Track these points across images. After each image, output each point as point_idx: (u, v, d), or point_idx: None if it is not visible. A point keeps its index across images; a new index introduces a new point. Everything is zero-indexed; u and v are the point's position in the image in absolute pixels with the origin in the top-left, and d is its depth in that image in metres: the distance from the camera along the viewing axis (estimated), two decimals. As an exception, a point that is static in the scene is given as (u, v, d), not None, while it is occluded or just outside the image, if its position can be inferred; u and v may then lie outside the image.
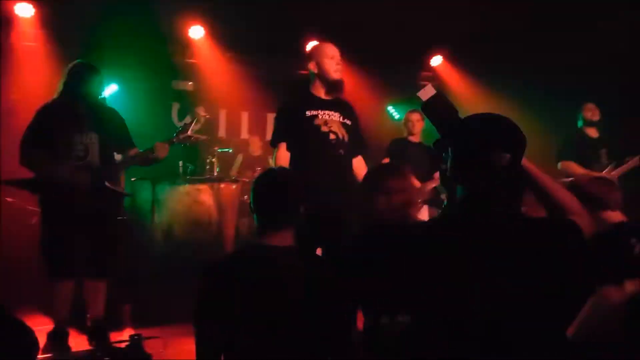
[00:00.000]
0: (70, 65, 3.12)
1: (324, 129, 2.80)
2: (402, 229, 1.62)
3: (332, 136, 2.81)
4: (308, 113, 2.83)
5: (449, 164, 1.49)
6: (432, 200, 4.48)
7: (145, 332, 3.34)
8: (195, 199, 4.36)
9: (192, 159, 5.26)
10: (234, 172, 5.72)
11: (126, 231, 4.47)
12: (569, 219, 1.42)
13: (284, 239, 1.70)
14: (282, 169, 1.85)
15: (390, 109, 7.19)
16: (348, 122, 2.90)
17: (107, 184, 3.06)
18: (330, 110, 2.85)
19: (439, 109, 1.57)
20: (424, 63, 7.09)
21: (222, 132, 6.19)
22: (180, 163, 5.11)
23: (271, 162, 6.14)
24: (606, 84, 5.41)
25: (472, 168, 1.42)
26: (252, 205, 1.75)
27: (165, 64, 6.12)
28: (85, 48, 5.71)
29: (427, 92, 1.59)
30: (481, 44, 6.37)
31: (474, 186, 1.42)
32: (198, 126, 3.37)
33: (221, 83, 6.26)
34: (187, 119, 3.31)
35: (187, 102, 6.17)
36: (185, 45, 6.09)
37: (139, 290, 4.22)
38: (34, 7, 5.36)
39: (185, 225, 4.33)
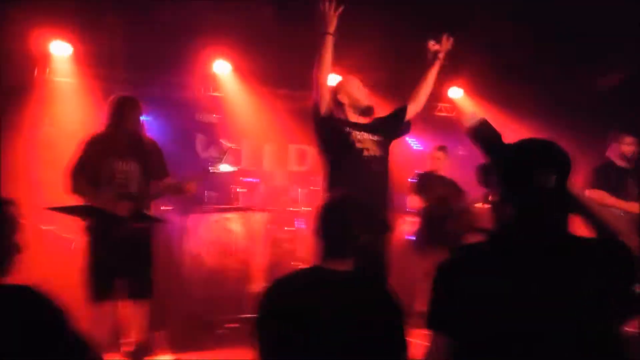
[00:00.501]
0: (112, 97, 3.30)
1: (358, 145, 2.91)
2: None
3: (365, 153, 2.93)
4: (345, 130, 2.96)
5: (496, 186, 1.54)
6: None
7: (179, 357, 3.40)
8: (224, 227, 4.45)
9: (217, 188, 5.39)
10: (259, 201, 5.82)
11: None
12: (618, 238, 1.45)
13: (346, 264, 1.76)
14: (348, 196, 1.88)
15: (409, 139, 7.30)
16: (380, 139, 3.01)
17: (145, 211, 3.19)
18: (363, 131, 2.99)
19: (485, 134, 1.64)
20: (442, 95, 7.25)
21: (245, 163, 6.32)
22: (206, 192, 5.24)
23: (292, 192, 6.34)
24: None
25: (521, 190, 1.46)
26: (318, 230, 1.80)
27: (190, 96, 6.33)
28: (115, 82, 5.99)
29: (472, 118, 1.66)
30: (501, 75, 6.54)
31: (522, 208, 1.45)
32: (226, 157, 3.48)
33: (244, 115, 6.45)
34: (214, 151, 3.41)
35: (211, 134, 6.35)
36: (209, 78, 6.33)
37: (169, 317, 4.27)
38: (70, 45, 5.63)
39: (214, 253, 4.41)
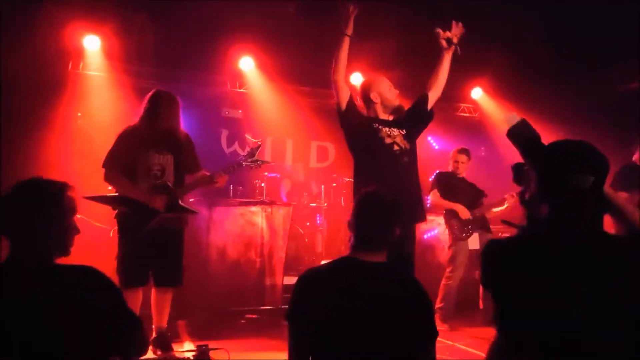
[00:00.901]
0: (151, 92, 3.41)
1: (388, 140, 3.03)
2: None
3: (395, 147, 3.03)
4: (374, 126, 3.06)
5: (532, 187, 1.56)
6: (482, 226, 4.63)
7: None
8: (248, 221, 4.58)
9: (241, 182, 5.53)
10: (283, 196, 5.95)
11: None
12: None
13: (379, 256, 1.84)
14: (382, 191, 1.92)
15: (431, 139, 7.34)
16: (407, 132, 3.15)
17: (180, 202, 3.32)
18: (391, 127, 3.08)
19: (524, 135, 1.68)
20: (464, 95, 7.27)
21: (267, 158, 6.45)
22: (231, 186, 5.38)
23: (313, 188, 6.45)
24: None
25: (558, 191, 1.47)
26: (354, 224, 1.86)
27: (216, 92, 6.48)
28: (143, 77, 6.16)
29: (512, 119, 1.72)
30: (523, 76, 6.53)
31: (559, 208, 1.46)
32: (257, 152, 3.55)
33: (268, 111, 6.57)
34: (248, 147, 3.48)
35: (236, 129, 6.48)
36: (235, 75, 6.46)
37: (191, 306, 4.41)
38: (101, 39, 5.81)
39: (238, 246, 4.54)
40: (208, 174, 3.43)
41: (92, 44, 5.81)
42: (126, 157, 3.23)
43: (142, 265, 3.19)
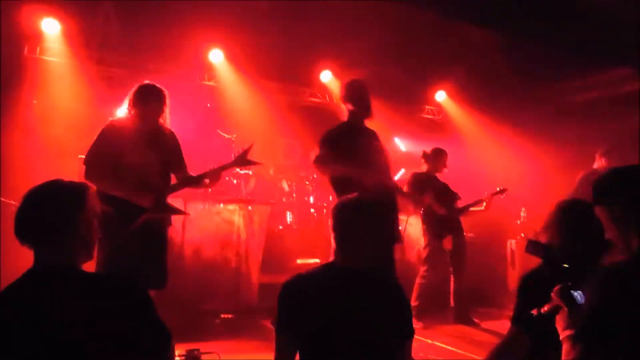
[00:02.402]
0: (136, 86, 3.20)
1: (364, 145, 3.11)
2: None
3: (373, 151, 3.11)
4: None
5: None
6: (456, 227, 4.74)
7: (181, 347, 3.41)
8: (225, 219, 4.46)
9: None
10: (247, 192, 5.82)
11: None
12: None
13: (360, 262, 1.85)
14: (362, 198, 1.96)
15: (397, 140, 7.46)
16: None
17: (168, 202, 3.16)
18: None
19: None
20: (429, 97, 7.44)
21: (235, 153, 6.31)
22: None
23: (284, 186, 6.38)
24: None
25: None
26: (335, 229, 1.87)
27: (184, 84, 6.26)
28: (106, 65, 5.85)
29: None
30: (484, 80, 6.77)
31: None
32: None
33: (237, 106, 6.43)
34: (242, 149, 3.32)
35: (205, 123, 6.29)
36: (205, 67, 6.27)
37: (165, 306, 4.24)
38: (60, 23, 5.44)
39: (214, 244, 4.41)
40: (192, 174, 3.29)
41: (51, 28, 5.44)
42: (110, 154, 3.02)
43: (123, 267, 3.00)
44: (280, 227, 5.62)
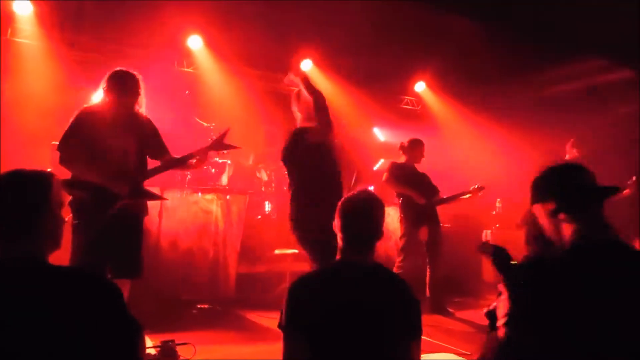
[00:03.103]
0: (110, 72, 3.12)
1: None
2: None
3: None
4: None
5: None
6: (432, 218, 4.76)
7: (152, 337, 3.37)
8: (202, 208, 4.39)
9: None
10: (224, 181, 5.75)
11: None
12: None
13: (369, 257, 1.83)
14: (369, 192, 1.94)
15: (376, 130, 7.46)
16: None
17: (145, 187, 3.11)
18: None
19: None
20: (408, 88, 7.44)
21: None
22: (177, 171, 5.12)
23: (261, 175, 6.31)
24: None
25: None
26: (342, 226, 1.83)
27: (162, 71, 6.11)
28: (81, 49, 5.67)
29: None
30: (462, 71, 6.80)
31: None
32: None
33: (216, 93, 6.32)
34: (220, 133, 3.32)
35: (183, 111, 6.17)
36: (183, 53, 6.13)
37: (141, 296, 4.18)
38: (32, 4, 5.25)
39: (191, 234, 4.35)
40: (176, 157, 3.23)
41: (23, 9, 5.24)
42: (85, 139, 2.93)
43: (99, 255, 2.93)
44: (259, 216, 5.58)
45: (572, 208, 1.51)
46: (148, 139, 3.15)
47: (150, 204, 4.30)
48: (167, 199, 3.38)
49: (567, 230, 1.51)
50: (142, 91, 3.12)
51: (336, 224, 1.88)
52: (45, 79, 5.14)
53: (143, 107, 3.15)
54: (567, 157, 5.17)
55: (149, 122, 3.21)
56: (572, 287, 1.38)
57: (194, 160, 3.15)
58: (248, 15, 5.64)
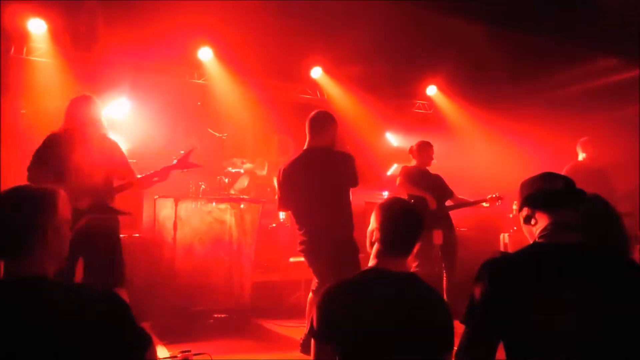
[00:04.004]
0: (73, 98, 3.33)
1: None
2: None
3: None
4: None
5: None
6: (446, 222, 4.71)
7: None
8: (216, 218, 4.40)
9: (203, 178, 5.31)
10: (240, 191, 5.76)
11: (146, 248, 4.49)
12: None
13: (404, 263, 1.80)
14: (404, 199, 1.93)
15: (388, 135, 7.42)
16: None
17: (108, 203, 3.22)
18: None
19: None
20: (420, 92, 7.39)
21: (228, 152, 6.25)
22: (191, 182, 5.15)
23: (276, 183, 6.29)
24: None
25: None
26: (383, 230, 1.79)
27: (175, 83, 6.18)
28: (95, 66, 5.76)
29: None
30: (474, 74, 6.74)
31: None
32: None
33: (228, 104, 6.36)
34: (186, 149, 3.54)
35: (196, 122, 6.23)
36: (195, 65, 6.19)
37: (157, 307, 4.20)
38: (45, 23, 5.35)
39: (206, 244, 4.36)
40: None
41: (37, 28, 5.35)
42: (52, 160, 3.11)
43: (69, 268, 3.01)
44: (273, 225, 5.57)
45: (540, 212, 1.61)
46: (114, 161, 3.32)
47: (164, 215, 4.37)
48: (129, 214, 3.49)
49: (536, 234, 1.60)
50: (101, 113, 3.35)
51: (373, 226, 1.84)
52: (60, 96, 5.22)
53: (103, 128, 3.33)
54: (580, 158, 5.08)
55: (114, 145, 3.40)
56: (516, 285, 1.46)
57: (155, 178, 3.33)
58: (257, 25, 5.68)
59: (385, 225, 1.79)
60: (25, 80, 5.34)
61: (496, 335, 1.47)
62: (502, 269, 1.51)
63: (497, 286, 1.48)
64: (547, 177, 1.66)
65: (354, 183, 3.32)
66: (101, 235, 3.15)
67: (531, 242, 1.64)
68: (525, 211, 1.65)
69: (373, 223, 1.83)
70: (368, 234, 1.86)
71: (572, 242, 1.54)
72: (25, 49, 5.43)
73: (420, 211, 1.89)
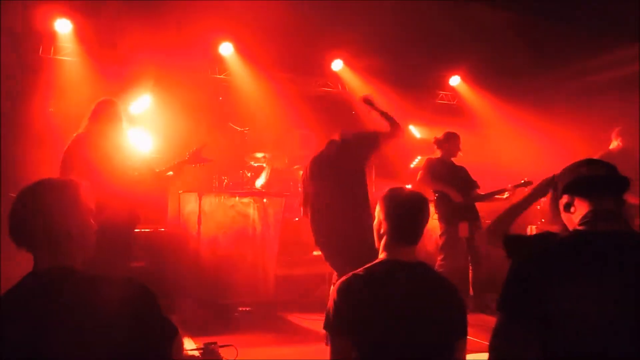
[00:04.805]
0: (96, 102, 3.39)
1: None
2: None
3: None
4: None
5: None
6: (472, 214, 4.62)
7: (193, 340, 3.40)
8: (240, 212, 4.43)
9: (225, 172, 5.35)
10: (261, 185, 5.78)
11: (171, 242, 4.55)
12: None
13: (413, 252, 1.80)
14: (408, 190, 1.93)
15: (412, 127, 7.33)
16: None
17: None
18: None
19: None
20: (443, 83, 7.28)
21: (250, 146, 6.27)
22: (214, 177, 5.19)
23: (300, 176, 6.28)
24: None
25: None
26: (390, 219, 1.79)
27: (197, 79, 6.23)
28: (119, 64, 5.84)
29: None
30: (498, 64, 6.59)
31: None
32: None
33: (249, 98, 6.38)
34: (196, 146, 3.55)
35: (218, 117, 6.27)
36: (216, 61, 6.23)
37: (183, 300, 4.25)
38: (71, 23, 5.45)
39: (230, 238, 4.39)
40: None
41: (64, 27, 5.46)
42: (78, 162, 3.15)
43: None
44: (296, 219, 5.58)
45: (579, 199, 1.55)
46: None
47: (188, 210, 4.42)
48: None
49: (576, 221, 1.55)
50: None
51: (380, 218, 1.83)
52: (86, 94, 5.32)
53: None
54: (611, 147, 4.91)
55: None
56: (555, 272, 1.40)
57: (170, 173, 3.41)
58: (277, 18, 5.67)
59: (391, 216, 1.79)
60: (53, 79, 5.45)
61: (533, 323, 1.40)
62: (542, 257, 1.45)
63: (535, 273, 1.42)
64: (588, 164, 1.61)
65: (375, 144, 3.31)
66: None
67: (571, 230, 1.58)
68: (565, 198, 1.60)
69: (379, 215, 1.83)
70: (375, 227, 1.85)
71: (613, 229, 1.48)
72: (52, 49, 5.55)
73: (424, 198, 1.85)
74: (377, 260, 1.81)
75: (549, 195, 1.75)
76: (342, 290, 1.70)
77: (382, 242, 1.82)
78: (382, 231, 1.82)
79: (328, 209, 3.25)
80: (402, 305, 1.67)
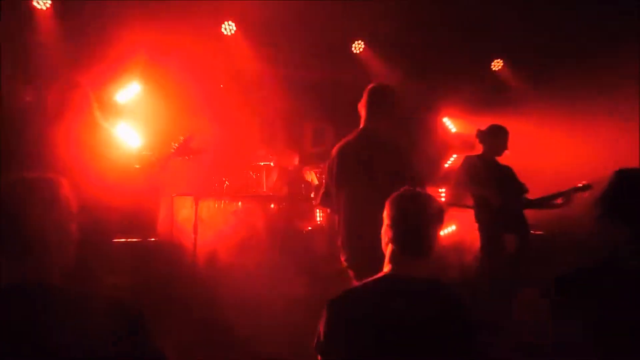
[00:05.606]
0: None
1: None
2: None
3: None
4: None
5: None
6: (521, 224, 4.54)
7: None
8: (243, 219, 4.42)
9: (226, 173, 5.34)
10: (268, 188, 5.76)
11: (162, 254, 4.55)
12: None
13: (423, 265, 1.78)
14: (420, 193, 1.90)
15: (446, 120, 7.26)
16: None
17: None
18: None
19: None
20: (483, 69, 7.18)
21: (257, 143, 6.26)
22: (213, 178, 5.18)
23: (307, 177, 6.25)
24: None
25: None
26: (392, 228, 1.79)
27: (195, 62, 6.23)
28: (103, 45, 5.87)
29: None
30: (549, 41, 6.50)
31: None
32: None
33: (255, 86, 6.36)
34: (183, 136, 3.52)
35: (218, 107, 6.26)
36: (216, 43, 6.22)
37: (178, 320, 4.25)
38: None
39: (231, 249, 4.39)
40: None
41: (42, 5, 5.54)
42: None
43: None
44: (309, 228, 5.55)
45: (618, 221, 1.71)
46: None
47: (183, 216, 4.43)
48: None
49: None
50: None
51: (386, 222, 1.83)
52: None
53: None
54: None
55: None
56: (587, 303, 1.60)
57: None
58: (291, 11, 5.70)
59: (396, 222, 1.77)
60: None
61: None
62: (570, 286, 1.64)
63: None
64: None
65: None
66: None
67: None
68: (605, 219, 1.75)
69: (385, 220, 1.82)
70: (382, 234, 1.84)
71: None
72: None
73: (437, 203, 1.83)
74: (378, 275, 1.79)
75: None
76: (334, 306, 1.72)
77: (388, 251, 1.81)
78: (387, 239, 1.81)
79: (355, 204, 3.17)
80: (399, 332, 1.65)
